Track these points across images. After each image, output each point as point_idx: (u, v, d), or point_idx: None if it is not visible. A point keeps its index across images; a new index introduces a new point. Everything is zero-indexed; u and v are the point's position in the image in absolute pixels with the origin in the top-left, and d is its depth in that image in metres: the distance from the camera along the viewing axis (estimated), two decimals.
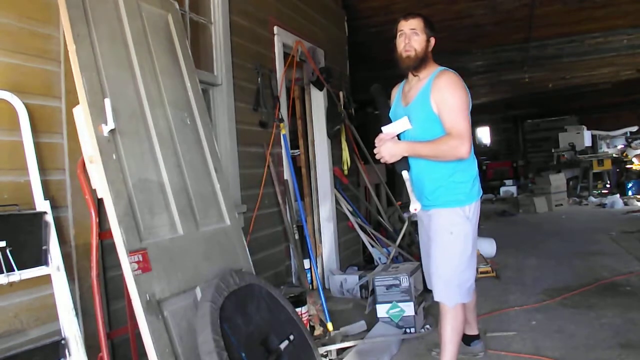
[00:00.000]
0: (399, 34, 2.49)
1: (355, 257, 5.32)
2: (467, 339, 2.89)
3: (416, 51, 2.44)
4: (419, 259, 3.80)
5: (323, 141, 4.75)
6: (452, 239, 2.44)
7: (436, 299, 2.52)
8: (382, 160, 2.47)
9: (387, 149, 2.43)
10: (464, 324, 2.86)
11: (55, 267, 1.89)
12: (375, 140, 2.48)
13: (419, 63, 2.45)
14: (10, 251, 1.75)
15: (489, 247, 5.55)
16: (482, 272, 4.65)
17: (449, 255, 2.46)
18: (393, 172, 8.23)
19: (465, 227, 2.44)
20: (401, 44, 2.47)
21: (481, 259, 4.97)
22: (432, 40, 2.48)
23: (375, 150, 2.47)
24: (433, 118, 2.41)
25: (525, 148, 16.94)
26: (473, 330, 2.90)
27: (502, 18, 6.73)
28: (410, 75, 2.53)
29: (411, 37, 2.44)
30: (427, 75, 2.46)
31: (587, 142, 12.14)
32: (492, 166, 15.56)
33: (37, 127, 1.97)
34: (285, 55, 4.18)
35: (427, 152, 2.40)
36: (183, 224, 2.21)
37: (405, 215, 5.57)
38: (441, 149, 2.36)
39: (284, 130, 3.93)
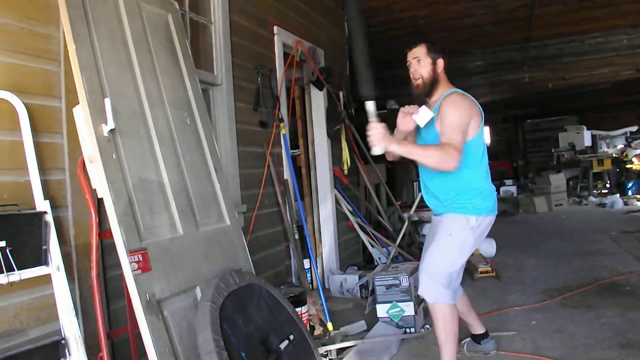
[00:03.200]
0: (407, 65, 2.55)
1: (355, 257, 5.32)
2: (476, 338, 2.92)
3: (423, 77, 2.49)
4: (419, 258, 3.81)
5: (323, 141, 4.75)
6: (450, 240, 2.49)
7: (419, 292, 2.57)
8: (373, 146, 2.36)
9: (377, 134, 2.29)
10: (468, 326, 2.90)
11: (55, 267, 1.89)
12: (370, 127, 2.32)
13: (429, 88, 2.50)
14: (10, 251, 1.75)
15: (489, 247, 5.55)
16: (482, 272, 4.66)
17: (443, 255, 2.51)
18: (393, 172, 8.25)
19: (466, 234, 2.49)
20: (410, 74, 2.53)
21: (481, 258, 4.97)
22: (440, 62, 2.51)
23: (369, 137, 2.33)
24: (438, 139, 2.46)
25: (525, 148, 16.94)
26: (479, 330, 2.92)
27: (502, 18, 6.73)
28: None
29: (416, 65, 2.50)
30: (438, 99, 2.50)
31: (587, 142, 12.15)
32: (492, 166, 15.40)
33: (37, 127, 1.98)
34: (285, 55, 4.17)
35: (418, 154, 2.36)
36: (183, 224, 2.21)
37: (405, 215, 5.57)
38: (434, 154, 2.33)
39: (284, 130, 3.93)
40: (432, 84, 2.50)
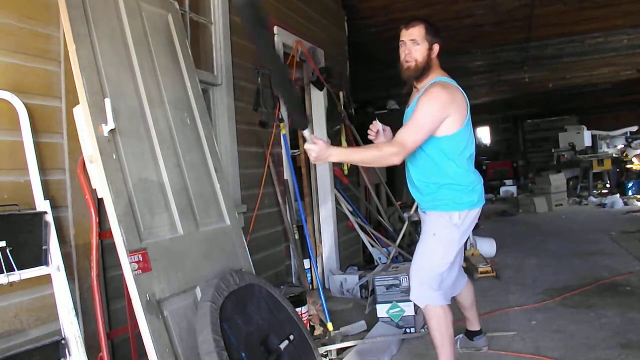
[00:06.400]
0: (400, 43, 2.45)
1: (355, 257, 5.32)
2: (470, 334, 2.94)
3: (416, 62, 2.40)
4: None
5: None
6: (434, 240, 2.46)
7: (410, 297, 2.55)
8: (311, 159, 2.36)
9: (314, 151, 2.29)
10: (465, 321, 2.91)
11: (55, 267, 1.89)
12: (307, 150, 2.33)
13: (420, 73, 2.42)
14: (10, 251, 1.75)
15: (489, 247, 5.55)
16: (482, 272, 4.65)
17: (429, 257, 2.48)
18: (393, 172, 8.25)
19: (450, 232, 2.45)
20: (402, 55, 2.44)
21: (481, 259, 4.97)
22: (436, 47, 2.42)
23: (305, 147, 2.33)
24: None
25: (525, 148, 16.94)
26: (475, 326, 2.93)
27: (502, 18, 6.73)
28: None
29: (411, 47, 2.39)
30: (424, 86, 2.44)
31: (587, 142, 12.13)
32: (492, 166, 15.55)
33: (37, 127, 1.98)
34: (285, 55, 4.17)
35: (358, 157, 2.37)
36: (183, 224, 2.21)
37: (405, 215, 5.57)
38: (373, 155, 2.36)
39: (284, 130, 3.93)
40: (423, 70, 2.41)
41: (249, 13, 2.03)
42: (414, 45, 2.39)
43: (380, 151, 2.33)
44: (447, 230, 2.44)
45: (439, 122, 2.34)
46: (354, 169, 5.40)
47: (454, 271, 2.61)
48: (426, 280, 2.47)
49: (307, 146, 2.29)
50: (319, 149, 2.27)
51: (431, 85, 2.39)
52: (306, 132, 2.34)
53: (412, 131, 2.31)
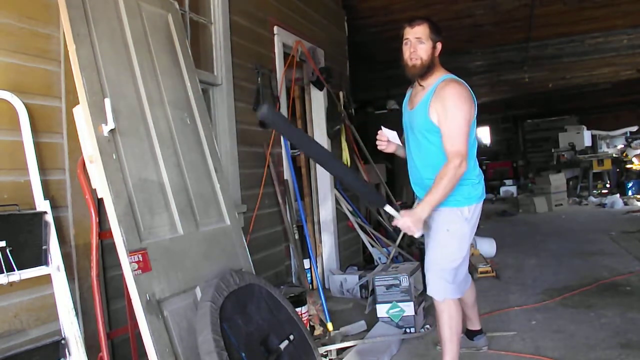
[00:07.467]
0: (404, 41, 2.46)
1: (355, 257, 5.31)
2: (470, 334, 2.95)
3: (422, 60, 2.42)
4: (418, 259, 3.82)
5: (323, 141, 4.74)
6: (448, 236, 2.49)
7: (428, 292, 2.58)
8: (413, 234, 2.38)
9: (408, 222, 2.33)
10: (466, 320, 2.91)
11: (55, 267, 1.89)
12: (402, 225, 2.36)
13: (425, 71, 2.44)
14: (10, 251, 1.75)
15: (489, 247, 5.55)
16: (482, 272, 4.65)
17: (443, 252, 2.51)
18: (393, 172, 8.25)
19: (462, 227, 2.49)
20: (407, 52, 2.45)
21: (481, 259, 4.97)
22: (439, 46, 2.46)
23: (404, 230, 2.39)
24: (431, 127, 2.42)
25: (525, 148, 16.94)
26: (475, 326, 2.94)
27: (502, 18, 6.73)
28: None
29: (417, 45, 2.42)
30: (432, 83, 2.45)
31: (587, 142, 12.14)
32: (492, 166, 15.53)
33: (37, 127, 1.98)
34: (285, 55, 4.18)
35: (440, 194, 2.34)
36: (183, 224, 2.21)
37: None
38: (447, 181, 2.33)
39: None
40: (428, 68, 2.44)
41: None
42: (419, 43, 2.42)
43: (447, 174, 2.32)
44: (459, 225, 2.48)
45: (471, 122, 2.40)
46: (354, 169, 5.39)
47: (466, 265, 2.63)
48: (442, 274, 2.50)
49: (400, 223, 2.35)
50: (410, 217, 2.32)
51: (446, 82, 2.42)
52: (389, 209, 2.39)
53: (458, 137, 2.35)
